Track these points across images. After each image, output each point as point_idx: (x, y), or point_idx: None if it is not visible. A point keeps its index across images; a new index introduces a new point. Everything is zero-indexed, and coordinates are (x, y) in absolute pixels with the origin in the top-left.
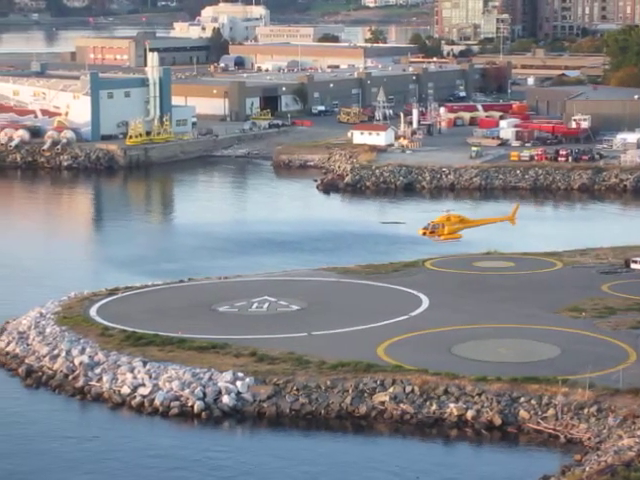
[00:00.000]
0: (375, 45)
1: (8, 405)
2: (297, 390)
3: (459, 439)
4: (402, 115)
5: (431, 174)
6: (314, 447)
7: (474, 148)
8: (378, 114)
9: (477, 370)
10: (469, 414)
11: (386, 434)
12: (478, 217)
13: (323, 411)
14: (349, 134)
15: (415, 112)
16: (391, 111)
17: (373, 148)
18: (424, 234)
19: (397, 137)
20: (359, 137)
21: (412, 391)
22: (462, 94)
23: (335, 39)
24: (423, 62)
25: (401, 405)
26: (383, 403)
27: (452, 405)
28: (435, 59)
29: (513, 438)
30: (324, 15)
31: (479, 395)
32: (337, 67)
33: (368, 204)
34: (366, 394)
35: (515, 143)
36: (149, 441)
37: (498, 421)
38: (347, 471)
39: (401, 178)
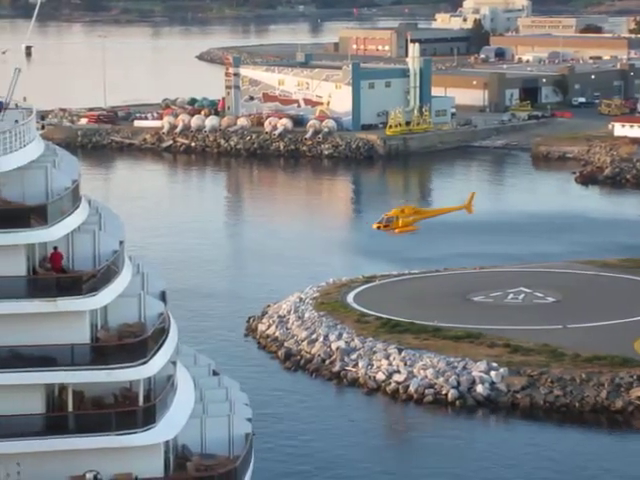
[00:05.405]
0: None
1: (269, 386)
2: (551, 382)
3: None
4: None
5: None
6: (569, 440)
7: None
8: None
9: None
10: None
11: None
12: (433, 207)
13: (577, 404)
14: (610, 126)
15: None
16: None
17: (634, 141)
18: (379, 228)
19: None
20: (620, 129)
21: None
22: None
23: (598, 30)
24: None
25: None
26: None
27: None
28: None
29: None
30: (587, 6)
31: None
32: (599, 58)
33: (627, 197)
34: (622, 389)
35: None
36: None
37: None
38: (602, 466)
39: None
